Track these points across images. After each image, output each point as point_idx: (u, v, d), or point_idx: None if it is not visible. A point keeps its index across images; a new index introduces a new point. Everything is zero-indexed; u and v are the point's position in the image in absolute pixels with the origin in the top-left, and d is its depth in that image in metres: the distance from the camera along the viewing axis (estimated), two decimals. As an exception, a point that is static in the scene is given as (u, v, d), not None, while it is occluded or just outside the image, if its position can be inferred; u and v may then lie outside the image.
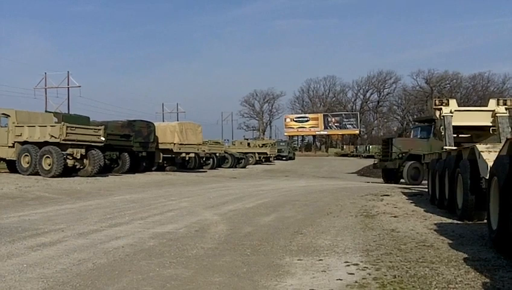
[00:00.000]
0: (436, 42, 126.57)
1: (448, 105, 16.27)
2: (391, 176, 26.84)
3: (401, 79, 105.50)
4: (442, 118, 16.12)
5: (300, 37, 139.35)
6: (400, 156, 25.57)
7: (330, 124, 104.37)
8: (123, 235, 7.86)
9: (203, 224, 9.34)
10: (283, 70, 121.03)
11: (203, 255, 6.44)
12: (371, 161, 45.97)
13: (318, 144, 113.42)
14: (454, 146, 14.28)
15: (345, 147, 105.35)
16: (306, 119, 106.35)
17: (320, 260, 6.18)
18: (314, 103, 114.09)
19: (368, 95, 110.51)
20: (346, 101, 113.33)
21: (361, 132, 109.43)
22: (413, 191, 18.11)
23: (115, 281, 5.14)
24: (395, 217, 10.41)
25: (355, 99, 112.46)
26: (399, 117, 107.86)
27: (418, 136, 26.68)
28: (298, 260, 6.18)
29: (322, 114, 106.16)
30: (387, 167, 26.74)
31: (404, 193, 16.89)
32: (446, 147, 14.60)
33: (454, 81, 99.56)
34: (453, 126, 15.90)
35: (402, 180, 25.43)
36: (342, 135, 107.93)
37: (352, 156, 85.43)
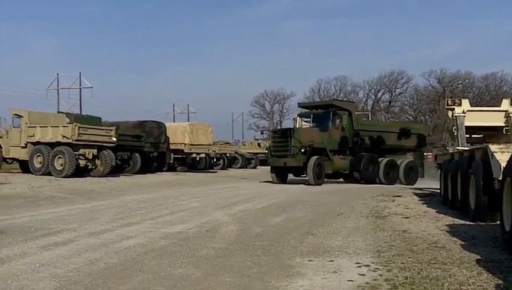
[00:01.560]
0: (448, 41, 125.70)
1: (461, 105, 16.13)
2: (284, 175, 24.10)
3: (413, 79, 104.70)
4: (454, 118, 16.00)
5: (310, 37, 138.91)
6: (303, 150, 22.37)
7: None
8: (134, 235, 7.89)
9: (213, 224, 9.35)
10: (293, 70, 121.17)
11: (214, 255, 6.45)
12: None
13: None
14: (466, 146, 14.17)
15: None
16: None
17: (331, 260, 6.16)
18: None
19: (379, 95, 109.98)
20: (358, 101, 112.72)
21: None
22: (425, 192, 18.00)
23: (126, 280, 5.16)
24: (406, 218, 10.35)
25: (366, 100, 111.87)
26: (411, 117, 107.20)
27: (315, 126, 24.37)
28: (309, 260, 6.16)
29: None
30: (286, 165, 23.03)
31: (415, 194, 16.80)
32: (459, 148, 14.50)
33: (467, 81, 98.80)
34: (466, 126, 15.78)
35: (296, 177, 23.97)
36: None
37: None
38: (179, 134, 31.65)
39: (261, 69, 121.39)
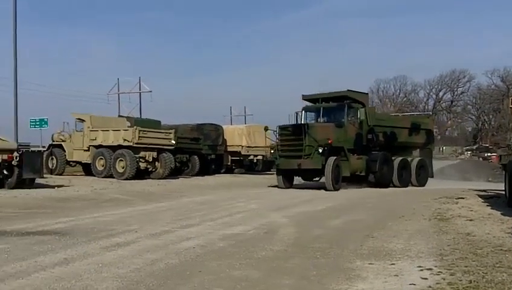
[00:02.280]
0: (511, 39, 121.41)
1: None
2: (291, 178, 21.12)
3: (475, 78, 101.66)
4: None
5: (367, 36, 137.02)
6: (321, 150, 19.27)
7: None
8: (194, 236, 7.97)
9: (271, 226, 9.34)
10: (350, 70, 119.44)
11: (273, 257, 6.43)
12: (445, 162, 43.99)
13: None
14: None
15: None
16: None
17: (392, 264, 6.03)
18: (385, 103, 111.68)
19: (440, 94, 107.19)
20: (418, 101, 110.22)
21: (434, 133, 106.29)
22: (490, 193, 17.41)
23: (186, 281, 5.21)
24: (470, 220, 10.03)
25: (427, 99, 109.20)
26: (473, 117, 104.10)
27: (326, 122, 21.26)
28: (369, 263, 6.05)
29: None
30: (301, 167, 19.72)
31: (479, 196, 16.26)
32: None
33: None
34: None
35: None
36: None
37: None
38: (236, 136, 31.86)
39: (318, 70, 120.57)
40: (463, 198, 15.21)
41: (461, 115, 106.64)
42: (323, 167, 19.08)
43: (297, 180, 21.62)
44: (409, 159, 23.11)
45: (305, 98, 22.79)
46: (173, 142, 24.92)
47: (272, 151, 21.34)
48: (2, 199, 14.03)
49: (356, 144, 20.92)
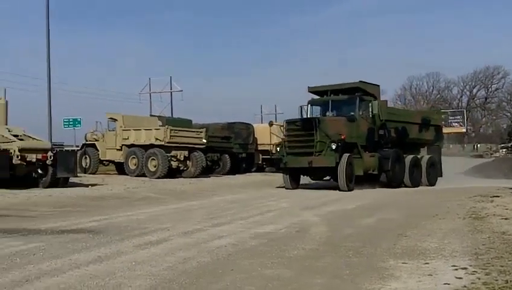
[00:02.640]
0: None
1: None
2: (298, 177, 19.55)
3: (510, 74, 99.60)
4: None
5: (398, 33, 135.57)
6: (334, 146, 17.69)
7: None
8: (225, 235, 7.99)
9: (303, 225, 9.30)
10: (382, 67, 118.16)
11: (304, 256, 6.40)
12: (479, 161, 42.90)
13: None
14: None
15: (451, 146, 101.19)
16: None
17: (426, 263, 5.94)
18: (418, 100, 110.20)
19: (474, 91, 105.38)
20: (452, 98, 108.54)
21: (468, 130, 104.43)
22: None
23: (218, 279, 5.22)
24: (506, 219, 9.82)
25: (461, 96, 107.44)
26: (509, 114, 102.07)
27: (335, 116, 19.51)
28: (403, 263, 5.97)
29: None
30: (312, 165, 17.97)
31: (515, 194, 15.92)
32: None
33: None
34: None
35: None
36: (448, 133, 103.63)
37: (459, 155, 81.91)
38: (266, 135, 31.88)
39: (349, 67, 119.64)
40: (498, 196, 14.90)
41: (496, 112, 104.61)
42: (337, 165, 17.56)
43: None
44: (419, 156, 21.78)
45: (311, 90, 20.95)
46: (204, 141, 25.10)
47: (278, 148, 19.74)
48: (36, 198, 14.31)
49: (368, 140, 19.45)
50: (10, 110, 19.44)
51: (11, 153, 16.48)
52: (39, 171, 17.30)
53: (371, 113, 19.48)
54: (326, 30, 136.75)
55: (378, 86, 21.31)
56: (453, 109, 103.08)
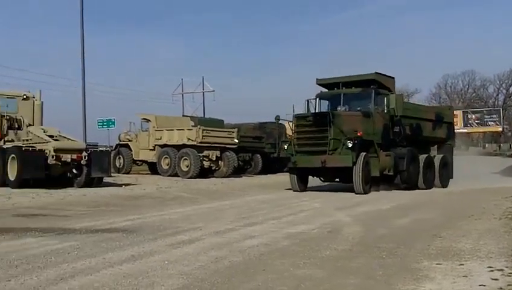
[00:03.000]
0: None
1: None
2: (306, 178, 18.01)
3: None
4: None
5: (433, 30, 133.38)
6: (350, 144, 15.98)
7: (470, 121, 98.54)
8: (257, 235, 7.98)
9: (336, 225, 9.23)
10: (417, 65, 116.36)
11: (337, 257, 6.35)
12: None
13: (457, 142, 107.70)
14: None
15: (486, 145, 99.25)
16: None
17: (461, 264, 5.83)
18: (453, 99, 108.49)
19: (511, 89, 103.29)
20: (488, 97, 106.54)
21: (505, 129, 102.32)
22: None
23: (250, 279, 5.21)
24: (545, 220, 9.58)
25: (497, 95, 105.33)
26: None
27: (347, 110, 17.81)
28: (437, 264, 5.87)
29: (461, 111, 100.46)
30: (326, 165, 16.10)
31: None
32: None
33: None
34: None
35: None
36: (483, 132, 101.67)
37: (495, 155, 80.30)
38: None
39: (381, 65, 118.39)
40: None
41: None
42: (354, 165, 15.92)
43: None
44: (432, 156, 20.17)
45: (320, 82, 19.04)
46: (236, 141, 25.18)
47: (286, 146, 17.93)
48: (71, 197, 14.55)
49: (384, 137, 17.70)
50: (45, 111, 19.86)
51: (47, 153, 16.80)
52: (74, 171, 17.59)
53: (386, 108, 17.77)
54: (361, 28, 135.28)
55: (393, 78, 19.54)
56: (489, 107, 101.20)
